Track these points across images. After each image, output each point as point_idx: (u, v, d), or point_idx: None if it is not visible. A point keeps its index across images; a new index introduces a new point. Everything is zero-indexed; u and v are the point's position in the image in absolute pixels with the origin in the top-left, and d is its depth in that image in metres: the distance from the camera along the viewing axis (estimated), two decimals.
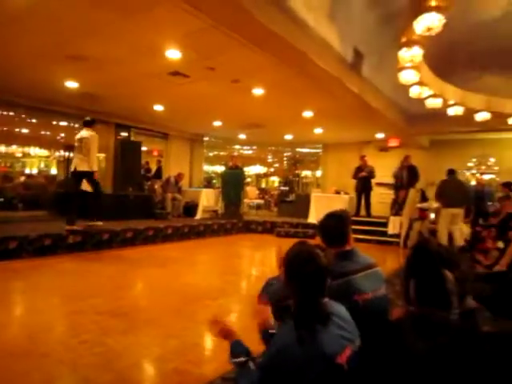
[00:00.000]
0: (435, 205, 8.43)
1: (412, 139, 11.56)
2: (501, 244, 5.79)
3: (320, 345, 1.39)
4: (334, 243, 2.04)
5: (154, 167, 12.50)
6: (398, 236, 9.23)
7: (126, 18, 4.91)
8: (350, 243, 2.03)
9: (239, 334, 1.85)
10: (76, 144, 6.42)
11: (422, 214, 8.82)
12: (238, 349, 1.68)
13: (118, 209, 9.22)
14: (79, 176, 6.34)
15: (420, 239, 2.79)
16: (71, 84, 7.78)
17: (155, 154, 14.40)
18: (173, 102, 9.26)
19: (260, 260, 7.42)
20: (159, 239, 8.15)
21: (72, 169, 6.35)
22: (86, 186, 6.44)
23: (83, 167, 6.27)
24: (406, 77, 5.80)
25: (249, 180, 16.88)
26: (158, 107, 9.73)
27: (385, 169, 11.81)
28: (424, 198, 9.09)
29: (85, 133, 6.45)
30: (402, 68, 5.65)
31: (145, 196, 10.39)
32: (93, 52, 5.94)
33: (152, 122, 11.56)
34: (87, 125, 6.56)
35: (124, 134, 11.58)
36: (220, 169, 15.01)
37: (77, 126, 11.31)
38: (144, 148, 12.82)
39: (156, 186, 11.42)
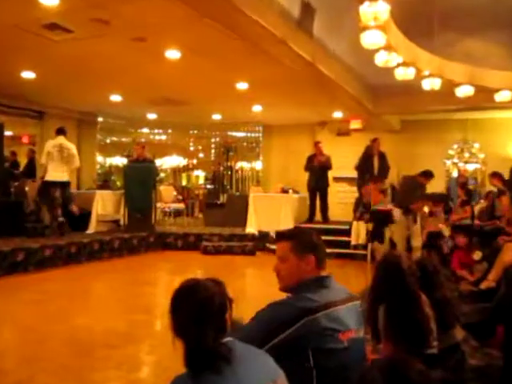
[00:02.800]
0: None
1: (379, 120, 12.11)
2: (477, 255, 6.28)
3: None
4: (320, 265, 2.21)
5: (23, 160, 11.91)
6: (364, 247, 9.62)
7: None
8: (325, 267, 2.15)
9: None
10: (52, 150, 9.27)
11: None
12: None
13: None
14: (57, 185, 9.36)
15: (388, 252, 2.98)
16: None
17: (25, 141, 13.73)
18: (50, 67, 8.89)
19: None
20: (33, 265, 7.84)
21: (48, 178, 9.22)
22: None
23: (65, 177, 9.46)
24: (370, 39, 6.04)
25: (163, 176, 16.66)
26: (29, 74, 9.30)
27: (345, 158, 12.23)
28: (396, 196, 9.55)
29: (63, 140, 9.42)
30: (365, 28, 5.89)
31: (11, 203, 9.88)
32: None
33: (20, 95, 11.03)
34: (63, 133, 9.46)
35: None
36: (122, 161, 14.65)
37: None
38: (9, 133, 12.19)
39: (27, 189, 10.89)
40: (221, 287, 1.69)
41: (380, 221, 7.78)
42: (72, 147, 9.53)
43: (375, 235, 7.79)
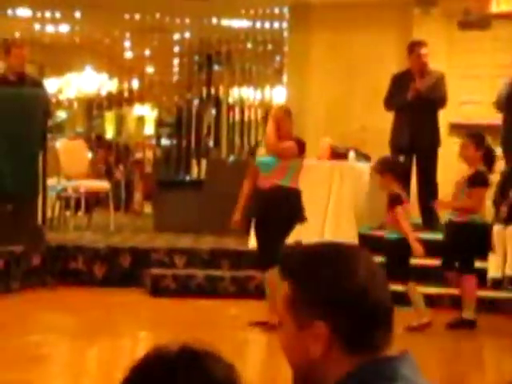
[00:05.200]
0: None
1: None
2: None
3: None
4: (368, 341, 2.08)
5: None
6: None
7: None
8: (389, 341, 2.11)
9: None
10: None
11: None
12: None
13: None
14: None
15: None
16: None
17: None
18: None
19: (100, 375, 7.54)
20: None
21: None
22: None
23: None
24: None
25: (62, 118, 16.73)
26: None
27: (477, 82, 12.19)
28: None
29: None
30: None
31: None
32: None
33: None
34: None
35: None
36: None
37: None
38: None
39: None
40: (232, 374, 1.72)
41: None
42: None
43: None
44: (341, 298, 1.94)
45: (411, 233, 9.10)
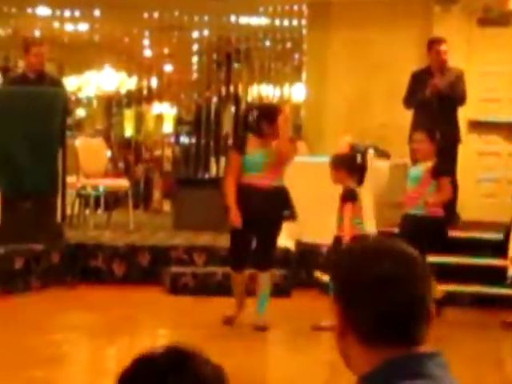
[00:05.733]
0: None
1: None
2: None
3: None
4: (388, 336, 2.08)
5: None
6: None
7: None
8: (423, 339, 2.12)
9: None
10: None
11: None
12: None
13: None
14: None
15: None
16: None
17: None
18: None
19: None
20: None
21: None
22: None
23: None
24: None
25: (81, 117, 16.69)
26: None
27: (497, 79, 12.15)
28: None
29: None
30: None
31: None
32: None
33: None
34: None
35: None
36: None
37: None
38: None
39: None
40: (221, 374, 1.74)
41: None
42: None
43: None
44: (351, 289, 2.02)
45: (349, 233, 9.13)
